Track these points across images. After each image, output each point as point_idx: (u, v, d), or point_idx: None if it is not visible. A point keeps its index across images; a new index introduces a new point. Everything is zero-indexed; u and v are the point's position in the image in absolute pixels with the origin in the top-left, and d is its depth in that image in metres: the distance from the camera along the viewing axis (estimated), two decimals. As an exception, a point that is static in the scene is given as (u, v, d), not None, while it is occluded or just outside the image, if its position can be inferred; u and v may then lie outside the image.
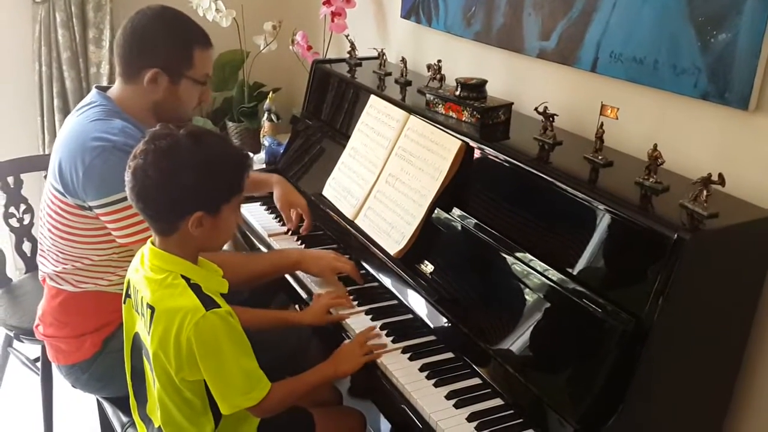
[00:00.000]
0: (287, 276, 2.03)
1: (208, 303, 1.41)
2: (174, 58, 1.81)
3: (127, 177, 1.42)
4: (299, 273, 2.00)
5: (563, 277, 1.55)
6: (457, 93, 2.04)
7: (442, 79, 2.18)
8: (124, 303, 1.59)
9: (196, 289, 1.43)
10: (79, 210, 1.75)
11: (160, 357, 1.43)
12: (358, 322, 1.80)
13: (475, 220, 1.80)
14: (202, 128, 1.53)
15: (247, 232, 2.31)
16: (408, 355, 1.68)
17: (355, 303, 1.88)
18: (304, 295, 1.97)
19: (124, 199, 1.65)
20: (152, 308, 1.44)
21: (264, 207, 2.44)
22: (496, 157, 1.82)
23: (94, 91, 1.86)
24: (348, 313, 1.82)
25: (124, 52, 1.81)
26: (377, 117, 2.20)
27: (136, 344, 1.58)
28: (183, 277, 1.44)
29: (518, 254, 1.66)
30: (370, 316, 1.82)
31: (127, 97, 1.84)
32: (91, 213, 1.73)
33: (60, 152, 1.77)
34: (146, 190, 1.41)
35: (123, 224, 1.70)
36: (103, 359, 1.84)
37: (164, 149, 1.40)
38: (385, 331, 1.76)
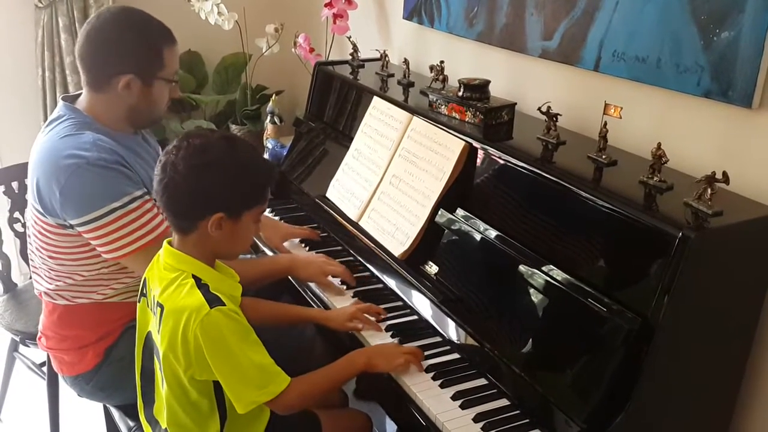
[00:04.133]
0: (291, 279, 2.03)
1: (213, 301, 1.41)
2: (146, 61, 1.74)
3: (157, 170, 1.45)
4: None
5: (568, 276, 1.54)
6: (460, 94, 2.04)
7: (444, 79, 2.18)
8: (139, 302, 1.60)
9: (203, 288, 1.44)
10: (61, 229, 1.71)
11: (169, 357, 1.44)
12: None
13: (480, 221, 1.80)
14: (236, 135, 1.54)
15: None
16: (413, 356, 1.68)
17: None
18: (307, 297, 1.97)
19: (106, 214, 1.65)
20: (162, 306, 1.45)
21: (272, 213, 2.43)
22: (500, 158, 1.82)
23: (60, 103, 1.79)
24: (370, 325, 1.78)
25: (90, 62, 1.74)
26: (380, 118, 2.20)
27: (148, 344, 1.58)
28: (193, 276, 1.45)
29: (523, 254, 1.66)
30: (374, 318, 1.81)
31: (97, 106, 1.76)
32: (73, 231, 1.70)
33: (35, 173, 1.72)
34: (173, 183, 1.42)
35: (107, 240, 1.67)
36: (107, 369, 1.84)
37: (197, 146, 1.42)
38: (390, 333, 1.77)
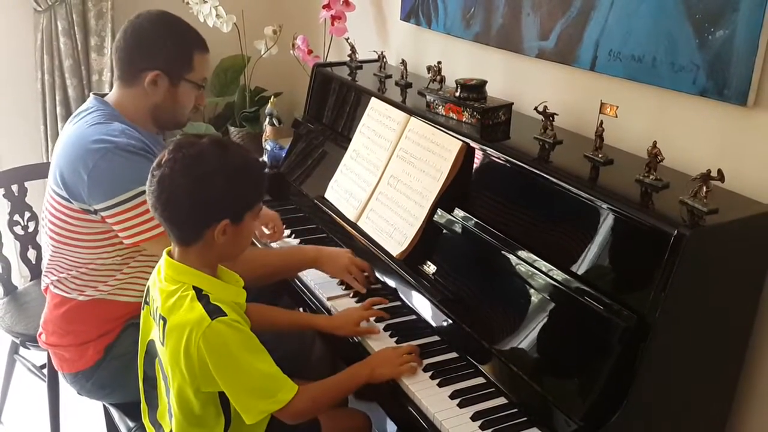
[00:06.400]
0: (291, 280, 2.04)
1: (213, 312, 1.40)
2: (175, 61, 1.82)
3: (152, 186, 1.42)
4: (304, 276, 2.01)
5: (564, 275, 1.55)
6: (457, 94, 2.05)
7: (442, 80, 2.19)
8: (143, 309, 1.60)
9: (203, 299, 1.43)
10: (83, 214, 1.75)
11: (175, 373, 1.44)
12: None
13: (477, 221, 1.81)
14: (223, 137, 1.55)
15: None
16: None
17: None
18: (308, 297, 1.98)
19: (130, 198, 1.68)
20: (164, 319, 1.45)
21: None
22: (497, 158, 1.83)
23: (91, 97, 1.87)
24: (378, 328, 1.78)
25: (124, 55, 1.82)
26: (378, 119, 2.21)
27: (150, 351, 1.58)
28: (194, 288, 1.44)
29: (519, 253, 1.66)
30: (373, 318, 1.82)
31: (125, 100, 1.84)
32: (95, 217, 1.74)
33: (61, 158, 1.77)
34: (175, 198, 1.41)
35: (129, 224, 1.71)
36: (107, 366, 1.85)
37: (193, 156, 1.40)
38: (389, 332, 1.77)
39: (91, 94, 1.90)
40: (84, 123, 1.79)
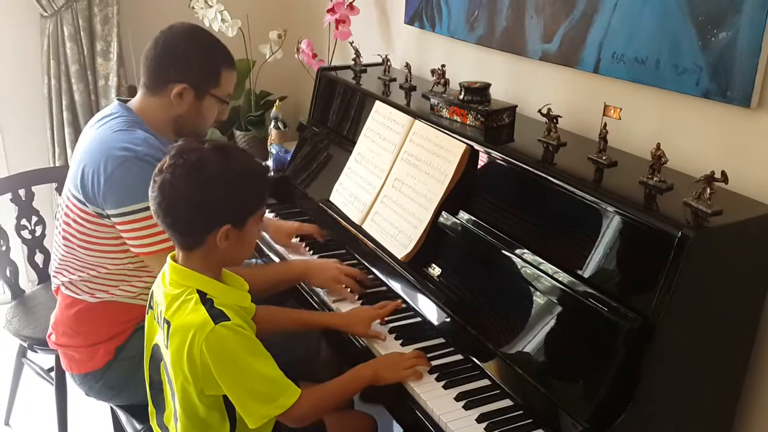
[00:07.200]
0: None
1: (217, 316, 1.41)
2: (203, 76, 1.85)
3: (153, 192, 1.43)
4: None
5: (569, 276, 1.55)
6: (461, 97, 2.06)
7: (446, 83, 2.19)
8: (147, 314, 1.60)
9: (207, 303, 1.43)
10: (97, 218, 1.77)
11: (179, 375, 1.44)
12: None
13: (482, 223, 1.82)
14: (226, 142, 1.55)
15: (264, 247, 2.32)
16: (417, 357, 1.69)
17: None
18: (312, 301, 1.98)
19: (143, 209, 1.69)
20: (168, 322, 1.45)
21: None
22: (501, 160, 1.83)
23: (115, 102, 1.90)
24: (385, 334, 1.78)
25: (153, 65, 1.84)
26: (383, 122, 2.22)
27: (155, 355, 1.59)
28: (198, 291, 1.45)
29: (524, 255, 1.67)
30: (378, 320, 1.82)
31: (149, 108, 1.87)
32: (108, 222, 1.76)
33: (82, 161, 1.79)
34: (175, 204, 1.41)
35: (139, 234, 1.73)
36: (116, 368, 1.87)
37: (193, 162, 1.41)
38: (393, 335, 1.78)
39: (114, 99, 1.92)
40: (107, 128, 1.81)
